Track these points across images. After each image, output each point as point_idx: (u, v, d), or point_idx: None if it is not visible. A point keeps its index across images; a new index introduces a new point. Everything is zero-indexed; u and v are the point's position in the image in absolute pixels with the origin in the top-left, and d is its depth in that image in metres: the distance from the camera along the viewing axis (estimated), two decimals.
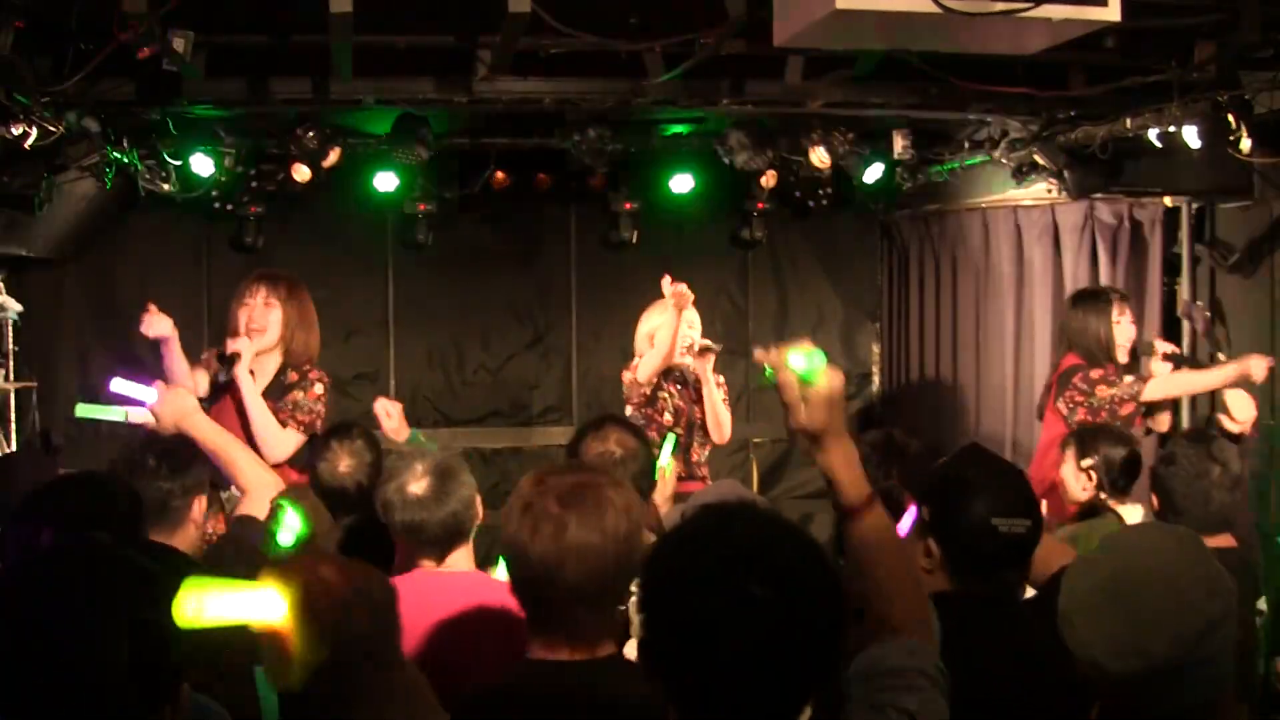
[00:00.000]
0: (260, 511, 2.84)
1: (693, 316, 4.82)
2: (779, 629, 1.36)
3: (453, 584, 2.66)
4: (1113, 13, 2.91)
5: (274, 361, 4.15)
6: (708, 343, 4.78)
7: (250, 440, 3.84)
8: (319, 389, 4.12)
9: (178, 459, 2.73)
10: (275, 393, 4.09)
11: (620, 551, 1.82)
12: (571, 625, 1.84)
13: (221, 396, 4.10)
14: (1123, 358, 4.59)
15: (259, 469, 2.98)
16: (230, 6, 3.74)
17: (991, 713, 1.95)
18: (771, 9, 3.14)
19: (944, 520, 2.18)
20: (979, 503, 2.14)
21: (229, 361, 4.00)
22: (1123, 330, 4.60)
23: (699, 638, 1.37)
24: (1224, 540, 3.15)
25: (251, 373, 4.04)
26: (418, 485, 2.65)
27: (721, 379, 4.96)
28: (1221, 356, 5.37)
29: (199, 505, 2.74)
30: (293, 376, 4.12)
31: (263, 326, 4.10)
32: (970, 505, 2.15)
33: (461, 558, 2.71)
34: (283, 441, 4.01)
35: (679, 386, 4.87)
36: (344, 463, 3.33)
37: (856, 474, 1.65)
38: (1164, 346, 4.71)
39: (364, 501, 3.10)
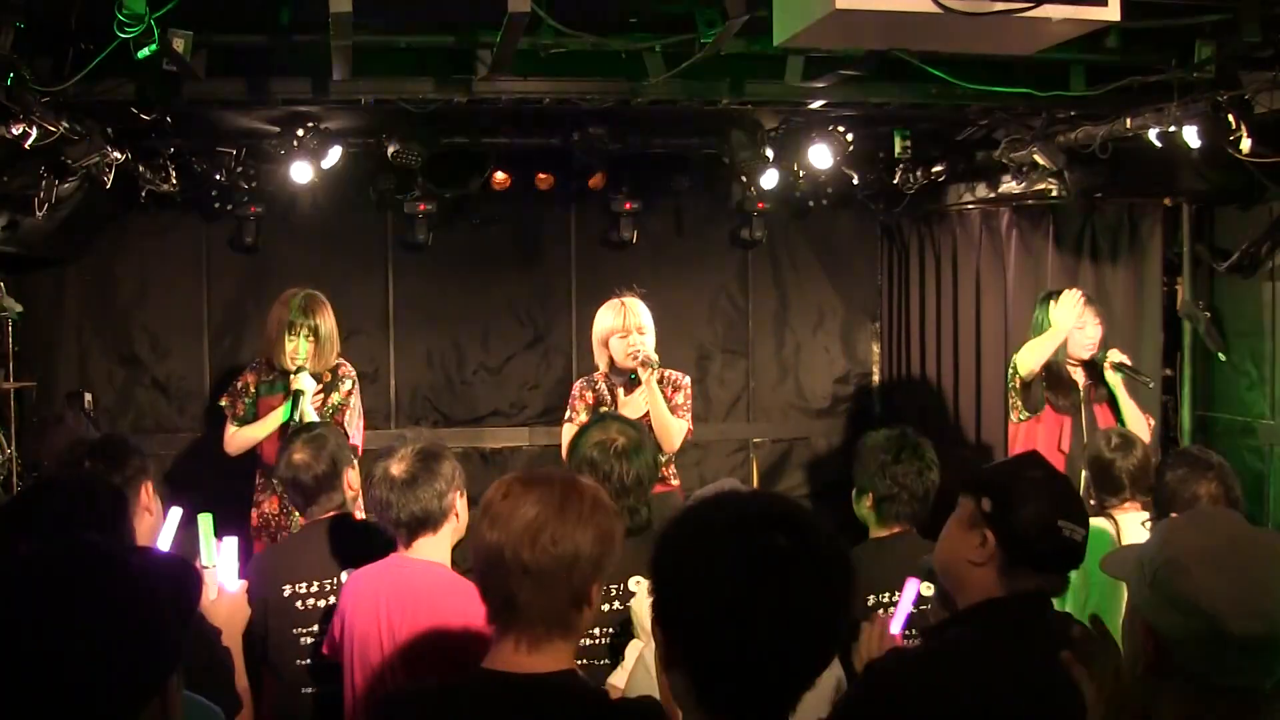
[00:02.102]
0: None
1: (647, 322, 4.80)
2: (798, 581, 1.39)
3: (417, 570, 2.78)
4: (1113, 13, 2.91)
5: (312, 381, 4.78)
6: (649, 355, 4.65)
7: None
8: (347, 384, 4.86)
9: (112, 452, 2.73)
10: (317, 400, 4.75)
11: (576, 543, 1.82)
12: (516, 613, 1.83)
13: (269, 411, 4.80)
14: (1080, 354, 4.82)
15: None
16: (230, 6, 3.74)
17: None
18: (771, 9, 3.14)
19: (1009, 514, 2.18)
20: (1047, 503, 2.17)
21: (296, 398, 4.62)
22: (1083, 331, 4.81)
23: (719, 590, 1.39)
24: None
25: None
26: (397, 467, 2.80)
27: (685, 381, 4.83)
28: (1221, 357, 5.39)
29: (145, 491, 2.73)
30: (325, 378, 4.79)
31: (308, 354, 4.74)
32: (1039, 503, 2.17)
33: (428, 546, 2.81)
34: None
35: (624, 393, 4.81)
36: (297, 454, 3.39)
37: None
38: (1116, 356, 4.81)
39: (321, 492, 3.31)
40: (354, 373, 4.96)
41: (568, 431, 4.62)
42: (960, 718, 2.02)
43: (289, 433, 3.85)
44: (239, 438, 4.89)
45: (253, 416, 4.90)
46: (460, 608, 2.63)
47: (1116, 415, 4.77)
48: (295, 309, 4.78)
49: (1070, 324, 4.74)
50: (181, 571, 1.45)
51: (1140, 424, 4.74)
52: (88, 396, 6.06)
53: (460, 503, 2.86)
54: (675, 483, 4.89)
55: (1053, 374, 4.84)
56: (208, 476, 6.57)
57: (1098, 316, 4.87)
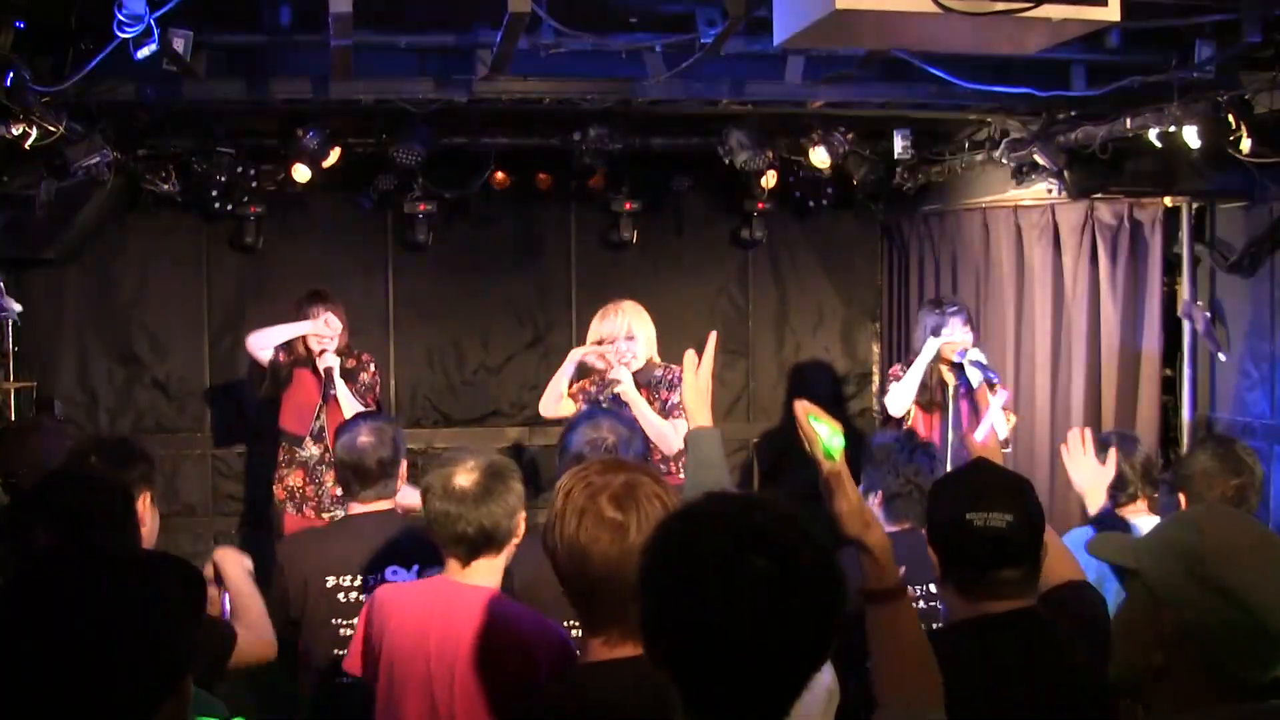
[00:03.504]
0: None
1: (637, 328, 4.77)
2: (776, 603, 1.37)
3: (471, 598, 2.53)
4: (1113, 13, 2.91)
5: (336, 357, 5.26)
6: (616, 379, 4.63)
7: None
8: (371, 367, 5.36)
9: (118, 455, 2.69)
10: (347, 378, 5.20)
11: None
12: (631, 620, 1.80)
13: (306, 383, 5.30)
14: (951, 357, 5.04)
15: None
16: (230, 6, 3.74)
17: None
18: (771, 9, 3.14)
19: (932, 527, 2.19)
20: (953, 500, 2.15)
21: (328, 374, 5.13)
22: (952, 333, 5.04)
23: (696, 609, 1.38)
24: None
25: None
26: (465, 478, 2.55)
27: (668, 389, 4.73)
28: (1222, 357, 5.38)
29: (143, 501, 2.67)
30: (350, 363, 5.25)
31: (331, 337, 5.18)
32: (945, 503, 2.17)
33: (486, 568, 2.57)
34: None
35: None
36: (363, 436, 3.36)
37: (888, 559, 1.74)
38: (974, 355, 5.02)
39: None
40: (373, 357, 5.45)
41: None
42: None
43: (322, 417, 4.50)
44: (262, 332, 5.29)
45: (288, 376, 5.30)
46: (522, 644, 2.44)
47: (975, 411, 4.95)
48: (310, 301, 5.21)
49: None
50: (190, 573, 1.46)
51: (1002, 420, 4.80)
52: (57, 403, 6.06)
53: (522, 526, 2.62)
54: (681, 477, 4.85)
55: (930, 378, 5.13)
56: (215, 472, 6.59)
57: (967, 323, 5.11)
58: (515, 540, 2.60)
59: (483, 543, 2.52)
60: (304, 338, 5.22)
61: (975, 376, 4.96)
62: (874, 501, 3.28)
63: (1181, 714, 1.53)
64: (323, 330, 5.19)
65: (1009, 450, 5.06)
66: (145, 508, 2.68)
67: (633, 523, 1.85)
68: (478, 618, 2.46)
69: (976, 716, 1.94)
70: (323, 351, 5.13)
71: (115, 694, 1.29)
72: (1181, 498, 3.16)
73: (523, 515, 2.60)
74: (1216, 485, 3.14)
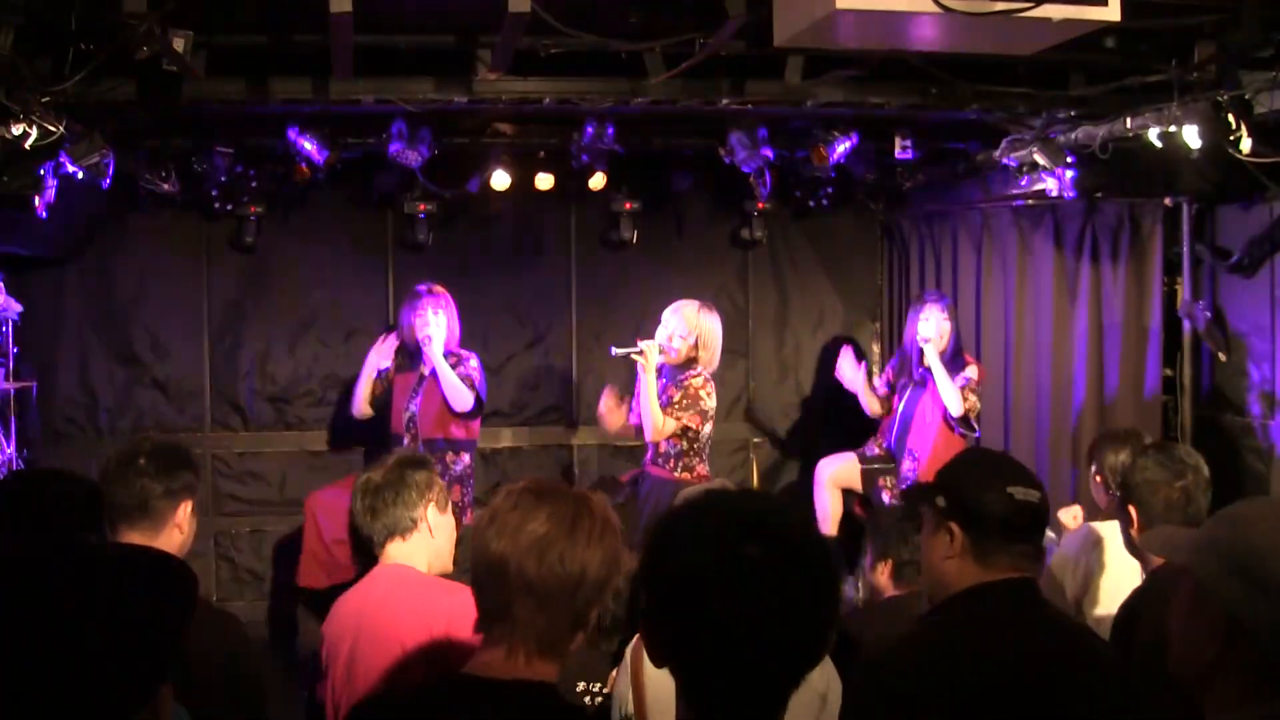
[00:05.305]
0: None
1: (674, 324, 5.13)
2: (773, 589, 1.39)
3: (383, 575, 2.75)
4: (1113, 13, 2.92)
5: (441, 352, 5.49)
6: (645, 349, 4.94)
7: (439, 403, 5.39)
8: (474, 362, 5.55)
9: (166, 460, 2.64)
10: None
11: (583, 564, 1.76)
12: (512, 626, 1.77)
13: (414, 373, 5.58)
14: (922, 343, 5.52)
15: None
16: (230, 6, 3.74)
17: (1027, 693, 2.04)
18: (771, 9, 3.15)
19: (963, 498, 2.28)
20: (995, 476, 2.28)
21: (426, 341, 5.32)
22: (926, 325, 5.50)
23: (696, 597, 1.40)
24: None
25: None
26: (377, 473, 2.79)
27: (693, 384, 5.03)
28: (1222, 357, 5.38)
29: (184, 509, 2.65)
30: (452, 360, 5.45)
31: (437, 324, 5.41)
32: (987, 479, 2.28)
33: (398, 552, 2.77)
34: (466, 397, 5.36)
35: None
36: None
37: None
38: (928, 347, 5.50)
39: None
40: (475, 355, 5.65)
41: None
42: (946, 690, 2.07)
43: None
44: (353, 398, 5.67)
45: (386, 395, 5.59)
46: (438, 607, 2.60)
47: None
48: (424, 298, 5.42)
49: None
50: (177, 575, 1.40)
51: (953, 396, 5.40)
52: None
53: (432, 513, 2.81)
54: (676, 475, 5.04)
55: (905, 358, 5.67)
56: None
57: (945, 311, 5.55)
58: (417, 530, 2.77)
59: (385, 534, 2.76)
60: (410, 334, 5.45)
61: (932, 358, 5.46)
62: (884, 569, 3.33)
63: (1227, 713, 1.54)
64: (383, 350, 5.58)
65: (978, 434, 5.64)
66: (186, 516, 2.67)
67: (543, 512, 1.77)
68: (388, 592, 2.69)
69: (991, 666, 2.07)
70: (427, 336, 5.33)
71: (81, 700, 1.24)
72: (1132, 511, 3.18)
73: (428, 505, 2.78)
74: (1160, 491, 3.14)
